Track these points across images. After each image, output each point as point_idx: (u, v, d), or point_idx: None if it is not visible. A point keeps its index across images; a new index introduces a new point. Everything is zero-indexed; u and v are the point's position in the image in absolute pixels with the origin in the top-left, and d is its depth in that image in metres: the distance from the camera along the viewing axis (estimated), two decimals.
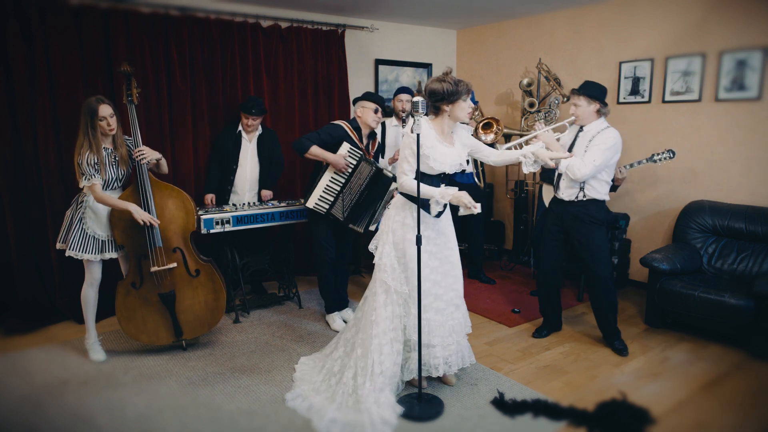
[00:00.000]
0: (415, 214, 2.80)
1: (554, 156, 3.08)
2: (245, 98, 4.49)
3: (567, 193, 3.47)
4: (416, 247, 2.75)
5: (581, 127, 3.48)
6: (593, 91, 3.38)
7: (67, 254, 3.24)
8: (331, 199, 3.69)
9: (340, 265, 4.02)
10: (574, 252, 3.61)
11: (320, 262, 3.87)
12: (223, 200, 4.36)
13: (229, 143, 4.30)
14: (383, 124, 4.53)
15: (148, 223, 3.23)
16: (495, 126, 4.46)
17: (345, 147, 3.64)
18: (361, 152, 3.69)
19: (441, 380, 3.08)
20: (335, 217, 3.71)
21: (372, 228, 3.87)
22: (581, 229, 3.46)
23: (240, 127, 4.32)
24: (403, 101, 4.45)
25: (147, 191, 3.28)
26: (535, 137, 3.43)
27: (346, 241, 4.00)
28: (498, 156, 3.08)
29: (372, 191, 3.79)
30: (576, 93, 3.41)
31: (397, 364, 2.88)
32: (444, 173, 2.88)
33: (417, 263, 2.76)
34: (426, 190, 2.74)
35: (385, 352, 2.83)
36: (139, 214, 3.20)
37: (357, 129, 3.75)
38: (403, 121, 4.41)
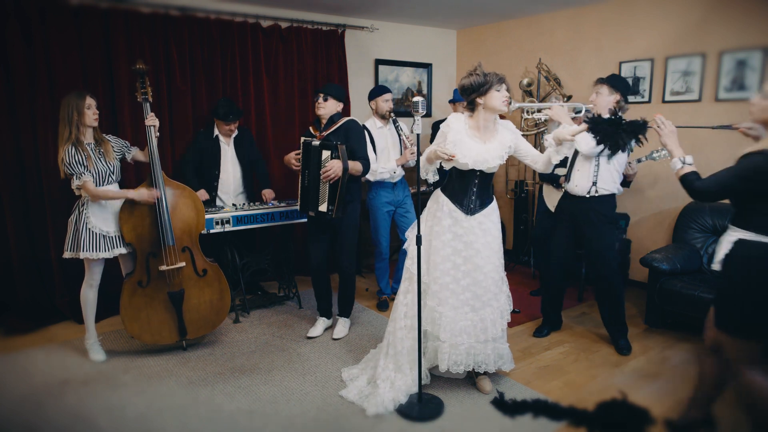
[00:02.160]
0: (445, 208, 2.88)
1: (572, 131, 2.83)
2: (215, 103, 4.23)
3: (579, 187, 3.47)
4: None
5: None
6: (617, 83, 3.42)
7: (82, 257, 3.20)
8: (304, 195, 3.61)
9: (326, 271, 3.81)
10: (580, 249, 3.58)
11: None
12: (208, 204, 4.18)
13: (207, 149, 4.19)
14: (368, 131, 4.13)
15: (153, 201, 3.23)
16: None
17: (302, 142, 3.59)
18: (311, 138, 3.57)
19: (476, 387, 3.04)
20: (325, 215, 3.52)
21: (322, 209, 3.51)
22: (591, 229, 3.46)
23: (216, 132, 4.22)
24: (389, 101, 4.17)
25: (160, 188, 3.29)
26: (549, 108, 3.46)
27: (329, 244, 3.72)
28: (545, 163, 2.92)
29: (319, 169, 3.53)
30: (600, 81, 3.46)
31: (415, 351, 2.89)
32: (479, 171, 2.83)
33: (417, 262, 2.78)
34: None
35: (398, 336, 2.93)
36: (141, 196, 3.21)
37: (318, 122, 3.70)
38: (395, 122, 4.18)
